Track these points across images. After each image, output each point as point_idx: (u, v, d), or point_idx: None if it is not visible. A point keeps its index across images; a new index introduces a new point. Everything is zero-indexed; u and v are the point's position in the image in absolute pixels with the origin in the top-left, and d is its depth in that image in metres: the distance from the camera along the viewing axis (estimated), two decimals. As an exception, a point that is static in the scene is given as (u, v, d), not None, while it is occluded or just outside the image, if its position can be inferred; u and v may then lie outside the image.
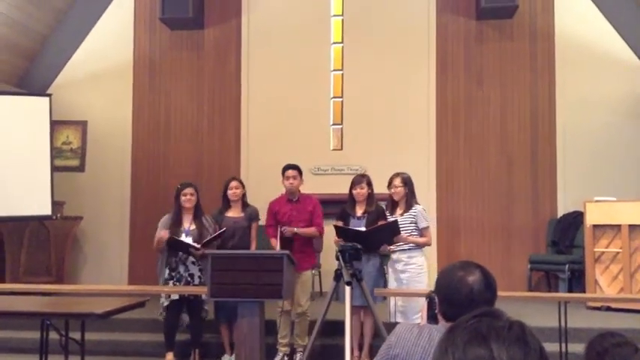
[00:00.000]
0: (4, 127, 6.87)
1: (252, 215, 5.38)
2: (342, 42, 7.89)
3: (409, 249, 4.94)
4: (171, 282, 5.13)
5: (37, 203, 6.95)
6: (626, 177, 7.15)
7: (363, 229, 4.89)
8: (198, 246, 5.05)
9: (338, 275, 3.93)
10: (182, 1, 7.60)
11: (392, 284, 5.01)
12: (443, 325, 1.85)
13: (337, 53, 7.89)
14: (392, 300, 4.97)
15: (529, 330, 1.06)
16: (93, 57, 8.09)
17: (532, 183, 7.48)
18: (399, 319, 4.76)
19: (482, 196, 7.55)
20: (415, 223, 4.97)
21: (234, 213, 5.36)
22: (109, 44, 8.08)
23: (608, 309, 6.16)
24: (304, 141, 7.67)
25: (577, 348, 4.45)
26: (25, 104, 7.16)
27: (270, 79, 7.87)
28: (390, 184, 5.08)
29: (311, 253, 5.43)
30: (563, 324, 4.57)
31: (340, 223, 5.04)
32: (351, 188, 5.13)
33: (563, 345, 4.58)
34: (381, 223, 4.99)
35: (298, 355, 5.19)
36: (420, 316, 4.40)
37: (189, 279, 5.15)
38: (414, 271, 4.91)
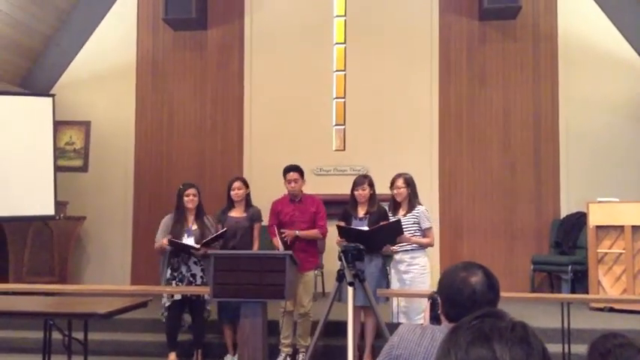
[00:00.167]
0: (8, 128, 6.89)
1: (254, 216, 5.38)
2: (344, 42, 7.90)
3: (412, 249, 4.94)
4: (173, 282, 5.14)
5: (41, 203, 6.96)
6: (630, 178, 7.14)
7: (366, 228, 4.89)
8: (198, 246, 5.05)
9: (340, 276, 3.93)
10: (185, 2, 7.61)
11: (394, 285, 5.01)
12: (445, 326, 1.85)
13: (340, 54, 7.90)
14: (394, 300, 4.97)
15: (532, 331, 1.06)
16: (96, 57, 8.11)
17: (535, 184, 7.47)
18: (401, 320, 4.76)
19: (485, 196, 7.55)
20: (418, 224, 4.97)
21: (236, 213, 5.37)
22: (112, 45, 8.10)
23: (611, 310, 6.15)
24: (307, 141, 7.68)
25: (580, 349, 4.45)
26: (28, 104, 7.18)
27: (272, 79, 7.88)
28: (392, 185, 5.07)
29: (314, 254, 5.43)
30: (566, 325, 4.56)
31: (342, 224, 5.04)
32: (352, 189, 5.12)
33: (566, 346, 4.58)
34: (380, 224, 4.99)
35: (301, 356, 5.19)
36: (422, 317, 4.40)
37: (191, 279, 5.15)
38: (417, 271, 4.91)
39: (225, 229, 5.21)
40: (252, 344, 4.29)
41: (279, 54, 7.90)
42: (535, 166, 7.49)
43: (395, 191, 5.05)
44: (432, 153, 7.60)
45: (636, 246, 6.18)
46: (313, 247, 5.38)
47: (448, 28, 7.71)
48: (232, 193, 5.33)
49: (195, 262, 5.18)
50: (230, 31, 8.05)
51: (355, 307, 3.76)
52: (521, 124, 7.55)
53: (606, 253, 6.32)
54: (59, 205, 7.25)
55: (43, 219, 7.16)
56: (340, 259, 3.88)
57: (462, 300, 1.79)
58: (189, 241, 5.15)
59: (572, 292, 6.71)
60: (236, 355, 5.02)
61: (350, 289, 3.55)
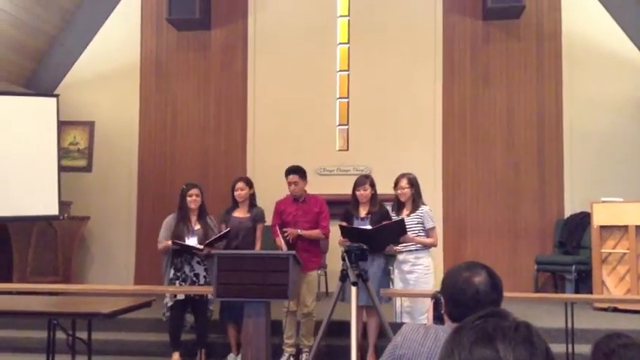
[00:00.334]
0: (12, 128, 6.91)
1: (257, 216, 5.38)
2: (348, 42, 7.90)
3: (416, 250, 4.93)
4: (176, 282, 5.14)
5: (45, 203, 6.98)
6: (634, 177, 7.12)
7: (369, 227, 4.88)
8: (201, 247, 5.06)
9: (344, 276, 3.93)
10: (189, 2, 7.62)
11: (398, 285, 5.00)
12: (449, 326, 1.85)
13: (343, 54, 7.90)
14: (398, 300, 4.96)
15: (535, 330, 1.06)
16: (100, 58, 8.12)
17: (539, 183, 7.46)
18: (405, 320, 4.75)
19: (488, 196, 7.54)
20: (422, 224, 4.96)
21: (240, 213, 5.37)
22: (116, 45, 8.12)
23: (615, 310, 6.13)
24: (310, 141, 7.68)
25: (584, 349, 4.44)
26: (32, 105, 7.20)
27: (276, 79, 7.88)
28: (396, 185, 5.07)
29: (317, 254, 5.43)
30: (569, 325, 4.56)
31: (344, 224, 5.04)
32: (354, 189, 5.12)
33: (570, 346, 4.57)
34: (384, 223, 4.98)
35: (304, 356, 5.19)
36: (426, 317, 4.40)
37: (194, 279, 5.16)
38: (421, 271, 4.90)
39: (228, 229, 5.22)
40: (255, 344, 4.30)
41: (283, 54, 7.90)
42: (539, 165, 7.48)
43: (399, 191, 5.04)
44: (436, 153, 7.59)
45: (640, 246, 6.17)
46: (316, 247, 5.38)
47: (452, 27, 7.70)
48: (235, 193, 5.33)
49: (198, 262, 5.19)
50: (233, 31, 8.05)
51: (358, 307, 3.75)
52: (525, 123, 7.54)
53: (610, 253, 6.30)
54: (63, 205, 7.27)
55: (47, 219, 7.18)
56: (344, 259, 3.88)
57: (466, 300, 1.79)
58: (192, 240, 5.16)
59: (576, 292, 6.70)
60: (239, 355, 5.02)
61: (353, 289, 3.55)
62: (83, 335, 4.19)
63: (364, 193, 5.06)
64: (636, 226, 6.16)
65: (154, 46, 8.16)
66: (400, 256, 4.99)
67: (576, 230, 7.07)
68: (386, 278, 5.12)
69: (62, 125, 7.55)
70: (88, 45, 8.18)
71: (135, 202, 8.01)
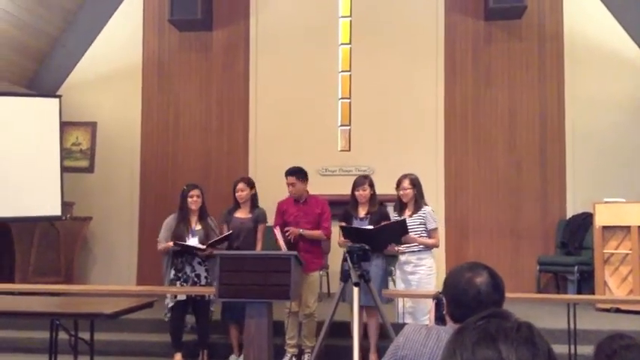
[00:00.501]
0: (14, 129, 6.92)
1: (259, 217, 5.38)
2: (350, 43, 7.90)
3: (418, 250, 4.93)
4: (177, 282, 5.15)
5: (47, 204, 6.99)
6: (636, 178, 7.10)
7: (371, 227, 4.88)
8: (203, 247, 5.06)
9: (346, 276, 3.93)
10: (191, 3, 7.63)
11: (400, 285, 5.00)
12: (451, 327, 1.85)
13: (345, 54, 7.90)
14: (400, 301, 4.96)
15: (537, 331, 1.06)
16: (102, 59, 8.13)
17: (541, 184, 7.45)
18: (407, 320, 4.75)
19: (490, 196, 7.53)
20: (424, 225, 4.95)
21: (241, 214, 5.37)
22: (118, 46, 8.13)
23: (618, 311, 6.12)
24: (312, 142, 7.68)
25: (586, 350, 4.44)
26: (34, 105, 7.21)
27: (278, 80, 7.88)
28: (398, 186, 5.07)
29: (318, 255, 5.42)
30: (572, 326, 4.55)
31: (344, 224, 5.03)
32: (353, 190, 5.12)
33: (572, 347, 4.56)
34: (385, 222, 4.98)
35: (306, 356, 5.19)
36: (428, 318, 4.40)
37: (195, 279, 5.16)
38: (424, 272, 4.90)
39: (230, 231, 5.22)
40: (257, 344, 4.30)
41: (285, 55, 7.91)
42: (541, 166, 7.47)
43: (401, 192, 5.04)
44: (438, 153, 7.59)
45: (643, 246, 6.15)
46: (318, 248, 5.38)
47: (454, 28, 7.70)
48: (236, 194, 5.33)
49: (199, 263, 5.19)
50: (235, 32, 8.06)
51: (360, 308, 3.75)
52: (527, 124, 7.53)
53: (612, 254, 6.29)
54: (65, 205, 7.28)
55: (50, 219, 7.19)
56: (345, 260, 3.88)
57: (468, 300, 1.79)
58: (193, 241, 5.16)
59: (578, 292, 6.69)
60: (241, 356, 5.02)
61: (355, 290, 3.55)
62: (85, 336, 4.20)
63: (363, 193, 5.06)
64: (639, 227, 6.15)
65: (156, 47, 8.17)
66: (402, 257, 4.98)
67: (578, 231, 7.06)
68: (385, 278, 5.12)
69: (64, 126, 7.57)
70: (91, 46, 8.19)
71: (137, 202, 8.01)
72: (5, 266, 7.20)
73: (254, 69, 7.97)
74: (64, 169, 7.32)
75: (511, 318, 1.08)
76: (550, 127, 7.49)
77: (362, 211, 5.09)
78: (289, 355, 5.20)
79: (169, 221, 5.31)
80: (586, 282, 6.73)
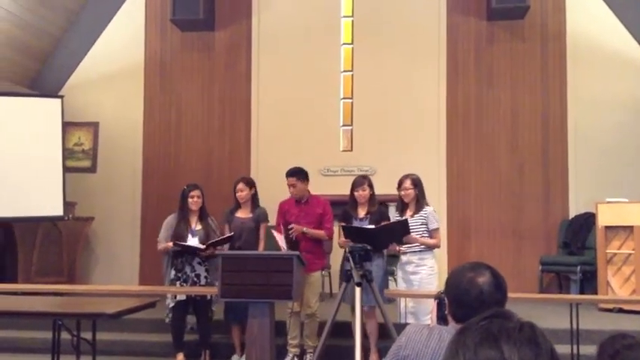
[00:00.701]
0: (17, 129, 6.93)
1: (260, 217, 5.37)
2: (352, 43, 7.89)
3: (420, 251, 4.92)
4: (177, 282, 5.15)
5: (49, 204, 7.00)
6: (639, 178, 7.09)
7: (372, 226, 4.88)
8: (203, 247, 5.07)
9: (348, 276, 3.93)
10: (193, 3, 7.63)
11: (401, 285, 5.00)
12: (453, 327, 1.84)
13: (347, 54, 7.90)
14: (402, 301, 4.96)
15: (540, 331, 1.05)
16: (104, 59, 8.14)
17: (543, 184, 7.44)
18: (409, 320, 4.75)
19: (493, 197, 7.52)
20: (425, 225, 4.95)
21: (242, 213, 5.37)
22: (121, 46, 8.13)
23: (620, 311, 6.11)
24: (314, 142, 7.68)
25: (589, 350, 4.43)
26: (37, 106, 7.22)
27: (280, 80, 7.89)
28: (399, 186, 5.06)
29: (320, 255, 5.41)
30: (574, 326, 4.54)
31: (345, 224, 5.03)
32: (352, 190, 5.12)
33: (575, 347, 4.56)
34: (386, 222, 4.98)
35: (308, 356, 5.19)
36: (430, 318, 4.39)
37: (195, 279, 5.16)
38: (426, 272, 4.90)
39: (232, 233, 5.21)
40: (259, 344, 4.30)
41: (287, 55, 7.91)
42: (543, 166, 7.46)
43: (402, 192, 5.03)
44: (440, 153, 7.58)
45: (646, 247, 6.15)
46: (319, 248, 5.37)
47: (456, 28, 7.69)
48: (237, 194, 5.34)
49: (199, 263, 5.19)
50: (237, 32, 8.06)
51: (361, 308, 3.74)
52: (529, 124, 7.52)
53: (615, 254, 6.28)
54: (68, 205, 7.29)
55: (52, 219, 7.20)
56: (347, 260, 3.88)
57: (470, 300, 1.78)
58: (193, 241, 5.16)
59: (581, 292, 6.68)
60: (243, 356, 5.02)
61: (357, 290, 3.55)
62: (88, 336, 4.21)
63: (363, 193, 5.06)
64: (641, 227, 6.14)
65: (158, 47, 8.17)
66: (404, 257, 4.98)
67: (581, 231, 7.05)
68: (386, 278, 5.11)
69: (67, 126, 7.57)
70: (93, 46, 8.20)
71: (139, 202, 8.02)
72: (8, 266, 7.21)
73: (256, 69, 7.97)
74: (66, 169, 7.33)
75: (513, 318, 1.08)
76: (552, 127, 7.48)
77: (361, 212, 5.09)
78: (291, 355, 5.20)
79: (169, 221, 5.31)
80: (588, 282, 6.73)
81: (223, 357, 5.32)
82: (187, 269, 5.16)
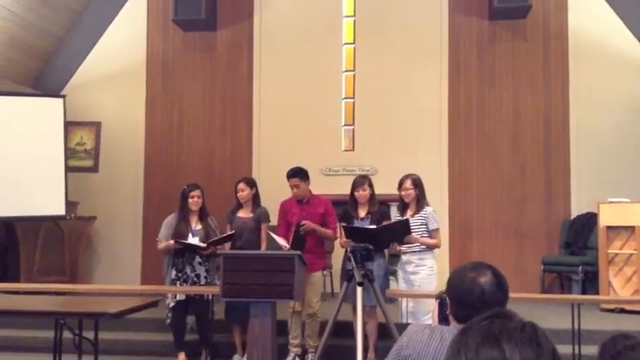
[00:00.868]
0: (19, 128, 6.94)
1: (261, 216, 5.37)
2: (353, 43, 7.89)
3: (420, 251, 4.93)
4: (177, 282, 5.16)
5: (52, 203, 7.01)
6: (641, 178, 7.09)
7: (374, 226, 4.88)
8: (204, 245, 5.08)
9: (349, 276, 3.93)
10: (195, 3, 7.63)
11: (402, 285, 5.00)
12: (454, 327, 1.85)
13: (349, 54, 7.89)
14: (404, 301, 4.96)
15: (541, 331, 1.06)
16: (106, 58, 8.15)
17: (545, 184, 7.43)
18: (408, 320, 4.75)
19: (494, 197, 7.52)
20: (426, 225, 4.95)
21: (243, 213, 5.38)
22: (123, 46, 8.14)
23: (622, 311, 6.11)
24: (316, 142, 7.68)
25: (590, 350, 4.42)
26: (39, 105, 7.23)
27: (281, 79, 7.89)
28: (400, 186, 5.06)
29: (320, 255, 5.41)
30: (576, 326, 4.54)
31: (347, 224, 5.03)
32: (352, 190, 5.12)
33: (577, 347, 4.55)
34: (387, 222, 4.98)
35: (310, 356, 5.19)
36: (429, 317, 4.39)
37: (195, 279, 5.17)
38: (425, 272, 4.90)
39: (233, 231, 5.22)
40: (261, 344, 4.30)
41: (289, 54, 7.91)
42: (545, 166, 7.45)
43: (403, 192, 5.03)
44: (442, 153, 7.58)
45: (647, 247, 6.14)
46: (320, 248, 5.38)
47: (458, 27, 7.69)
48: (237, 194, 5.34)
49: (199, 263, 5.19)
50: (239, 31, 8.06)
51: (363, 307, 3.75)
52: (531, 124, 7.52)
53: (617, 254, 6.28)
54: (70, 205, 7.30)
55: (54, 219, 7.21)
56: (349, 259, 3.88)
57: (472, 300, 1.78)
58: (193, 241, 5.17)
59: (583, 292, 6.68)
60: (245, 355, 5.02)
61: (358, 290, 3.55)
62: (90, 335, 4.21)
63: (363, 193, 5.06)
64: (643, 227, 6.13)
65: (160, 47, 8.18)
66: (404, 257, 4.98)
67: (583, 231, 7.05)
68: (387, 278, 5.11)
69: (69, 126, 7.58)
70: (95, 46, 8.21)
71: (141, 202, 8.03)
72: (10, 265, 7.23)
73: (258, 69, 7.97)
74: (68, 169, 7.34)
75: (515, 318, 1.08)
76: (554, 127, 7.47)
77: (362, 212, 5.09)
78: (293, 354, 5.20)
79: (169, 220, 5.32)
80: (590, 282, 6.72)
81: (224, 357, 5.32)
82: (188, 269, 5.17)
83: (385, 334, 4.78)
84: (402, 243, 4.91)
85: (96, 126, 8.17)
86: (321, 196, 5.49)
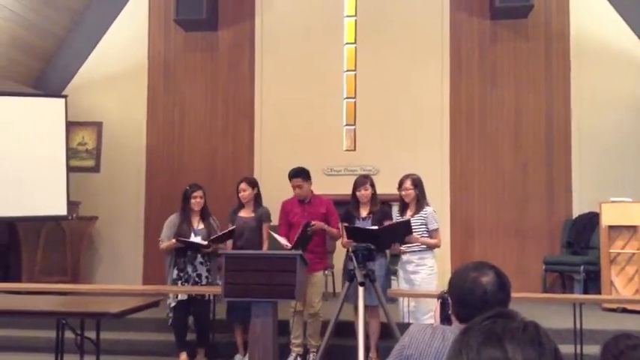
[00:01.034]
0: (21, 128, 6.95)
1: (262, 216, 5.38)
2: (355, 42, 7.89)
3: (420, 250, 4.92)
4: (179, 282, 5.17)
5: (53, 203, 7.02)
6: (643, 177, 7.07)
7: (375, 227, 4.88)
8: (206, 243, 5.08)
9: (351, 276, 3.93)
10: (196, 3, 7.64)
11: (402, 285, 5.00)
12: (456, 326, 1.84)
13: (350, 54, 7.89)
14: (404, 301, 4.96)
15: (544, 331, 1.05)
16: (108, 59, 8.16)
17: (547, 183, 7.43)
18: (409, 320, 4.75)
19: (496, 196, 7.51)
20: (425, 225, 4.95)
21: (245, 213, 5.39)
22: (124, 46, 8.15)
23: (624, 310, 6.10)
24: (317, 141, 7.68)
25: (592, 350, 4.42)
26: (41, 105, 7.24)
27: (283, 79, 7.89)
28: (400, 186, 5.06)
29: (322, 255, 5.41)
30: (578, 325, 4.54)
31: (349, 225, 5.03)
32: (354, 190, 5.12)
33: (579, 347, 4.55)
34: (389, 222, 4.98)
35: (311, 356, 5.19)
36: (429, 317, 4.39)
37: (197, 279, 5.18)
38: (425, 272, 4.90)
39: (233, 227, 5.23)
40: (262, 344, 4.30)
41: (290, 54, 7.91)
42: (547, 165, 7.45)
43: (403, 192, 5.03)
44: (443, 153, 7.58)
45: (649, 246, 6.13)
46: (322, 248, 5.37)
47: (459, 27, 7.68)
48: (239, 194, 5.35)
49: (201, 263, 5.20)
50: (241, 31, 8.06)
51: (364, 307, 3.74)
52: (533, 123, 7.51)
53: (619, 254, 6.27)
54: (71, 205, 7.31)
55: (56, 219, 7.21)
56: (351, 259, 3.88)
57: (473, 300, 1.78)
58: (196, 240, 5.18)
59: (585, 292, 6.67)
60: (246, 355, 5.02)
61: (360, 289, 3.55)
62: (92, 335, 4.21)
63: (365, 193, 5.06)
64: (645, 227, 6.13)
65: (161, 47, 8.18)
66: (404, 257, 4.98)
67: (585, 230, 7.04)
68: (388, 278, 5.11)
69: (70, 126, 7.59)
70: (96, 46, 8.21)
71: (143, 202, 8.03)
72: (12, 265, 7.23)
73: (259, 69, 7.97)
74: (70, 169, 7.34)
75: (517, 318, 1.08)
76: (556, 127, 7.46)
77: (364, 212, 5.09)
78: (294, 354, 5.20)
79: (172, 220, 5.33)
80: (592, 282, 6.72)
81: (226, 356, 5.32)
82: (189, 269, 5.18)
83: (387, 334, 4.79)
84: (403, 243, 4.91)
85: (97, 126, 8.18)
86: (323, 196, 5.49)
